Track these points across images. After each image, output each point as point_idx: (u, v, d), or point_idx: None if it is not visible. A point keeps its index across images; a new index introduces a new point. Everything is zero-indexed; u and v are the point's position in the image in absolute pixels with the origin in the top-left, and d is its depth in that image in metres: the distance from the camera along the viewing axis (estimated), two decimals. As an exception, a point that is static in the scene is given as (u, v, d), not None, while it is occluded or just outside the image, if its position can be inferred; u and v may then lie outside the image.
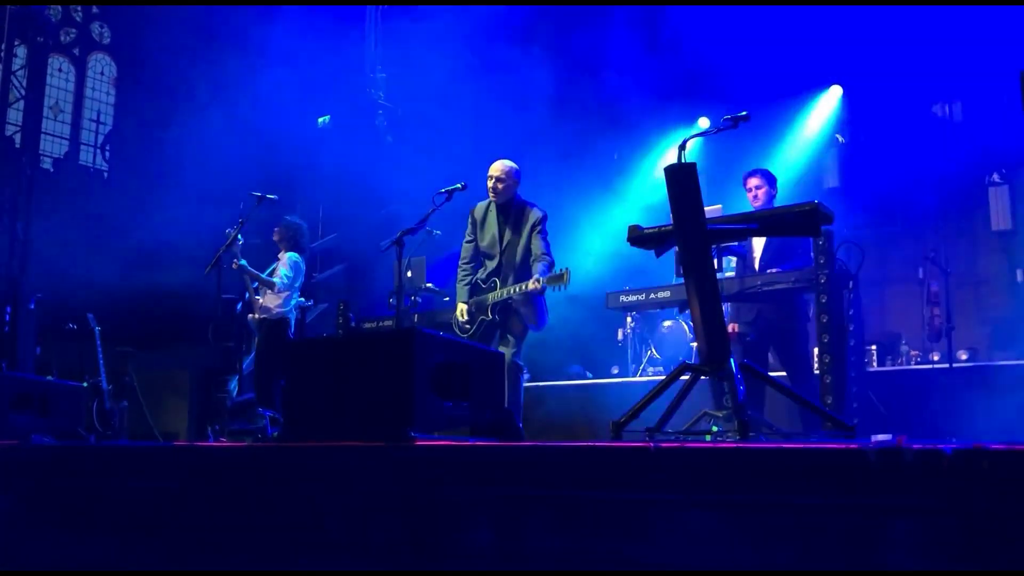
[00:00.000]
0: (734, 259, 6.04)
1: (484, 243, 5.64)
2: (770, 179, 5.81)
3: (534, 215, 5.53)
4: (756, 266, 5.72)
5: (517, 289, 5.36)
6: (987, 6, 8.13)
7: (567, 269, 5.16)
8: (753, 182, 5.80)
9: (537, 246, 5.45)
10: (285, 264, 7.22)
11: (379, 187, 10.10)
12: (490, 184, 5.57)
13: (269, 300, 7.17)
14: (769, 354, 5.81)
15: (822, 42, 8.94)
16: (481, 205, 5.73)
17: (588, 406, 6.81)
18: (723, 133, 4.10)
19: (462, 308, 5.60)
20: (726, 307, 6.48)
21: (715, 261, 4.21)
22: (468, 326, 5.55)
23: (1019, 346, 7.35)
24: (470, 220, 5.76)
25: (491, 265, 5.60)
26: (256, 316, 7.15)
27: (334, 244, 11.42)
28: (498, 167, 5.58)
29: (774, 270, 5.51)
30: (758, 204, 5.70)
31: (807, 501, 2.08)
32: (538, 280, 5.20)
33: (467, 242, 5.76)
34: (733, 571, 2.15)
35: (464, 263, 5.73)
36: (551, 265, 5.38)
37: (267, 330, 7.15)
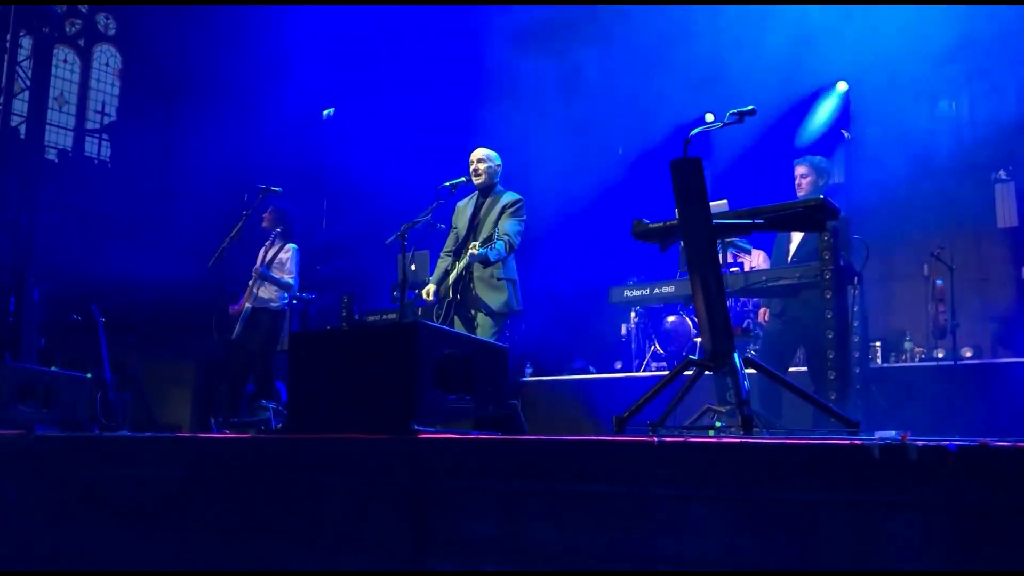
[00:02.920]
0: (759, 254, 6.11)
1: (460, 225, 5.72)
2: (819, 169, 5.74)
3: (508, 197, 5.65)
4: (788, 260, 5.70)
5: (466, 261, 5.42)
6: (994, 6, 8.09)
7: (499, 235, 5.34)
8: (799, 171, 5.78)
9: (503, 226, 5.47)
10: (291, 259, 7.20)
11: (383, 180, 10.10)
12: (471, 169, 5.70)
13: (267, 292, 7.15)
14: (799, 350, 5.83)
15: (828, 37, 8.90)
16: (467, 198, 5.85)
17: (591, 401, 6.81)
18: (729, 128, 4.10)
19: (429, 288, 5.68)
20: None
21: (720, 256, 4.20)
22: (438, 310, 5.58)
23: (1024, 344, 7.34)
24: (455, 211, 5.89)
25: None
26: (250, 306, 7.09)
27: (338, 237, 11.42)
28: (478, 152, 5.74)
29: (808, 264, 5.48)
30: (802, 193, 5.67)
31: (810, 497, 2.07)
32: (474, 245, 5.29)
33: (451, 231, 5.88)
34: (736, 566, 2.15)
35: (444, 252, 5.86)
36: (507, 244, 5.41)
37: (268, 321, 7.14)
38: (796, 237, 5.73)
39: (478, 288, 5.45)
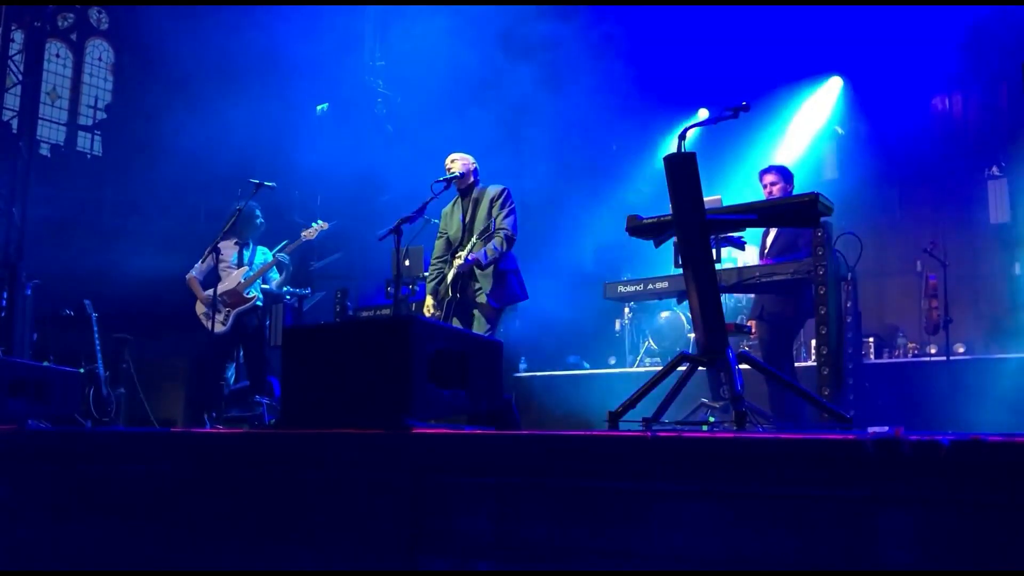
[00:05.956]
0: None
1: (452, 231, 5.72)
2: (786, 175, 5.80)
3: (493, 190, 5.64)
4: (764, 255, 5.72)
5: (465, 255, 5.42)
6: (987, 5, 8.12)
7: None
8: (768, 179, 5.80)
9: (499, 218, 5.47)
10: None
11: (377, 175, 10.08)
12: (447, 172, 5.67)
13: (253, 289, 7.20)
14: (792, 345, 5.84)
15: (822, 33, 8.92)
16: (450, 203, 5.85)
17: (585, 396, 6.82)
18: (723, 123, 4.09)
19: (429, 302, 5.68)
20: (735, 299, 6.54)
21: (713, 251, 4.21)
22: (437, 312, 5.58)
23: (1016, 339, 7.36)
24: (441, 217, 5.88)
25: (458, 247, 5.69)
26: (254, 303, 7.11)
27: (332, 232, 11.38)
28: (450, 156, 5.74)
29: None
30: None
31: (804, 491, 2.08)
32: (475, 244, 5.30)
33: (438, 239, 5.85)
34: (731, 561, 2.15)
35: (435, 259, 5.82)
36: (507, 240, 5.42)
37: (260, 318, 7.20)
38: (771, 232, 5.76)
39: (480, 280, 5.43)
